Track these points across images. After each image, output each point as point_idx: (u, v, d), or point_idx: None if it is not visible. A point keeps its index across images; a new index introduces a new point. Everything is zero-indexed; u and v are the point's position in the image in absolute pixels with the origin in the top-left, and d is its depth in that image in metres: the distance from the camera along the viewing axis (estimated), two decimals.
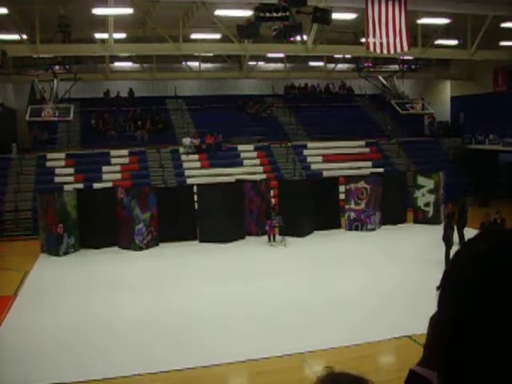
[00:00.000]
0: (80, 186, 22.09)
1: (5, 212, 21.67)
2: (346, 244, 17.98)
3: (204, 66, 30.34)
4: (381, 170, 26.01)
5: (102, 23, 20.35)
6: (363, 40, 20.60)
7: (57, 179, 23.51)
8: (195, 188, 19.90)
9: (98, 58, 26.86)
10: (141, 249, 17.78)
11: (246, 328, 10.26)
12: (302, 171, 26.07)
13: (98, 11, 19.61)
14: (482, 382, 0.85)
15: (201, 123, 28.42)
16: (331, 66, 31.91)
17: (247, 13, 18.97)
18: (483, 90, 28.49)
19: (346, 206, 20.33)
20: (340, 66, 32.13)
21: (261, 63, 31.26)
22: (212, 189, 19.46)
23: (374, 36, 18.11)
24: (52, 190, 19.90)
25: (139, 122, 28.20)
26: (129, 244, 17.88)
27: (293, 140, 28.19)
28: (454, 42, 25.92)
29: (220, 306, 11.68)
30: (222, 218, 18.18)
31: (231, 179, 22.01)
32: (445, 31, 24.42)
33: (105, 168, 24.49)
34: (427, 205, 20.94)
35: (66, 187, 21.88)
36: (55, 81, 24.51)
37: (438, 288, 0.98)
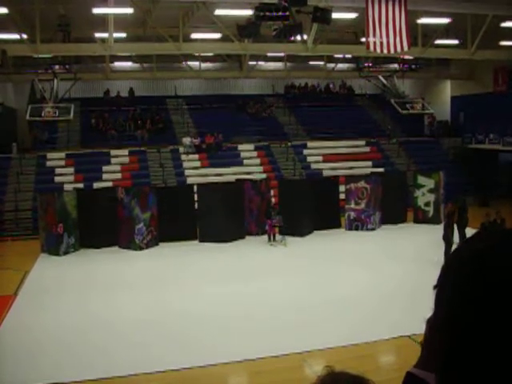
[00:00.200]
0: (80, 185, 22.12)
1: (5, 212, 21.67)
2: (346, 244, 17.98)
3: (204, 65, 30.35)
4: (381, 169, 26.02)
5: (102, 23, 20.34)
6: (363, 40, 20.58)
7: (57, 179, 23.52)
8: (195, 188, 19.89)
9: (98, 58, 26.85)
10: (141, 248, 17.78)
11: (245, 328, 10.26)
12: (302, 171, 26.07)
13: (98, 11, 19.60)
14: None
15: (201, 123, 28.42)
16: (331, 65, 31.93)
17: (247, 12, 18.97)
18: (483, 90, 28.49)
19: (346, 206, 20.33)
20: (340, 66, 32.14)
21: (261, 63, 31.25)
22: (212, 188, 19.46)
23: (374, 35, 18.10)
24: (52, 190, 19.92)
25: (139, 122, 28.19)
26: (129, 244, 17.88)
27: (293, 139, 28.19)
28: (454, 42, 25.91)
29: (220, 305, 11.67)
30: (222, 217, 18.18)
31: (231, 179, 22.02)
32: (445, 31, 24.40)
33: (105, 168, 24.50)
34: (427, 204, 20.94)
35: (66, 187, 21.91)
36: (55, 80, 24.52)
37: (435, 287, 0.97)
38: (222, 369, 8.64)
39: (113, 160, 25.20)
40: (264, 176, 23.58)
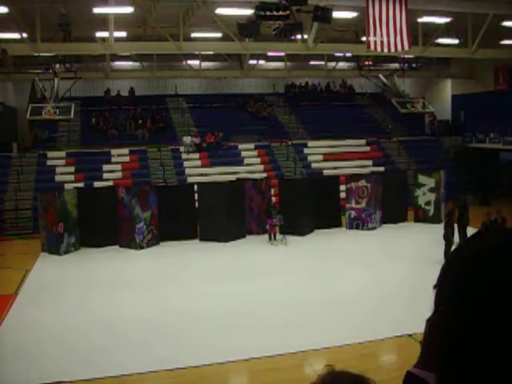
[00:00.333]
0: (80, 184, 22.12)
1: (5, 211, 21.67)
2: (347, 243, 17.98)
3: (204, 64, 30.32)
4: (381, 168, 26.03)
5: (103, 22, 20.36)
6: (364, 39, 20.60)
7: (57, 178, 23.52)
8: (196, 187, 19.89)
9: (98, 57, 26.86)
10: (141, 247, 17.78)
11: (246, 327, 10.27)
12: (302, 170, 26.07)
13: (98, 10, 19.61)
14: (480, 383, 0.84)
15: (201, 122, 28.42)
16: (332, 64, 31.92)
17: (248, 11, 18.98)
18: (484, 89, 28.47)
19: (347, 205, 20.33)
20: (341, 65, 32.13)
21: (261, 62, 31.24)
22: (212, 187, 19.45)
23: (375, 34, 18.12)
24: (52, 189, 19.90)
25: (140, 121, 28.19)
26: (129, 243, 17.88)
27: (293, 139, 28.17)
28: (454, 41, 25.90)
29: (220, 304, 11.68)
30: (223, 216, 18.17)
31: (232, 178, 22.01)
32: (445, 30, 24.39)
33: (105, 167, 24.50)
34: (428, 203, 20.93)
35: (67, 186, 21.90)
36: (56, 79, 24.53)
37: (435, 287, 0.97)
38: (223, 367, 8.64)
39: (113, 159, 25.20)
40: (264, 175, 23.58)
